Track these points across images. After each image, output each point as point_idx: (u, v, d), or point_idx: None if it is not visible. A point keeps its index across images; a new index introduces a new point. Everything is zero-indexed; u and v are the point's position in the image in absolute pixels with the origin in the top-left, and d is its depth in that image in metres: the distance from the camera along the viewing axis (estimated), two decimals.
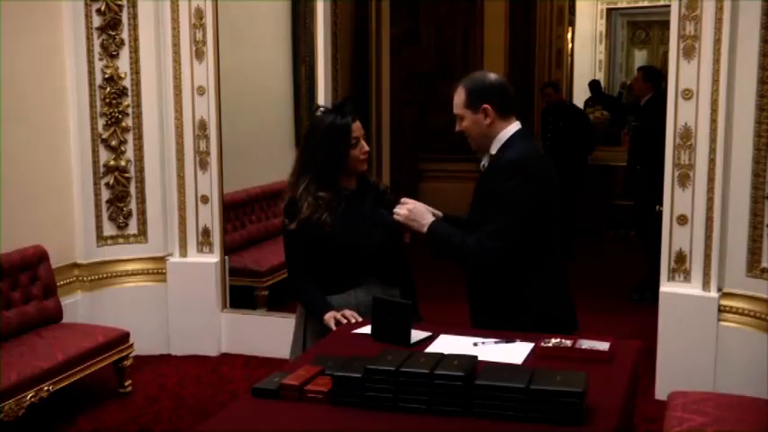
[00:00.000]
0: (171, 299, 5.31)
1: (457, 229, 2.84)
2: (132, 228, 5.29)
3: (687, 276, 4.43)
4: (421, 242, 2.88)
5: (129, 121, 5.18)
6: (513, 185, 2.75)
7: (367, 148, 3.05)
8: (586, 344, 2.54)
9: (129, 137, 5.20)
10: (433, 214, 2.92)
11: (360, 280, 3.01)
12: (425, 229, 2.85)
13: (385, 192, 3.19)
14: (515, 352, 2.54)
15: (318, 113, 3.13)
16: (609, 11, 13.27)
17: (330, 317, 2.93)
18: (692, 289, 4.42)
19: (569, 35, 11.79)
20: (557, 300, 2.92)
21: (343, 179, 3.03)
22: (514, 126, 2.87)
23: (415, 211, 2.88)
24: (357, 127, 3.02)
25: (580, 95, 11.96)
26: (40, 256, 4.64)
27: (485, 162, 2.91)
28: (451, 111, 2.90)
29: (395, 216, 2.90)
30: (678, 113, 4.35)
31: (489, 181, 2.83)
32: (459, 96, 2.86)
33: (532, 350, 2.55)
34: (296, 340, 3.15)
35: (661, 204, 4.55)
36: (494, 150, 2.86)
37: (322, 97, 5.08)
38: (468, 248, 2.77)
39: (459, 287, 3.12)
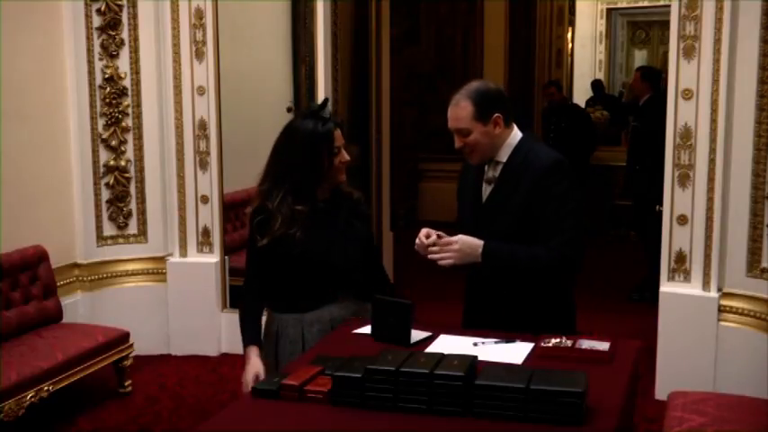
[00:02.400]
0: (171, 299, 5.31)
1: (512, 244, 2.70)
2: (132, 228, 5.29)
3: (687, 276, 4.43)
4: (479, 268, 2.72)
5: (129, 121, 5.19)
6: (567, 187, 2.70)
7: (347, 157, 2.87)
8: (586, 344, 2.54)
9: (129, 137, 5.21)
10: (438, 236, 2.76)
11: (334, 296, 2.90)
12: (481, 257, 2.68)
13: (359, 201, 3.02)
14: (515, 352, 2.54)
15: (297, 120, 2.94)
16: (609, 11, 13.27)
17: (250, 367, 2.81)
18: (692, 289, 4.42)
19: (569, 35, 11.80)
20: (571, 300, 2.90)
21: (319, 190, 2.87)
22: (517, 131, 2.80)
23: (464, 245, 2.69)
24: (338, 135, 2.84)
25: (580, 95, 11.97)
26: (40, 256, 4.64)
27: (494, 173, 2.79)
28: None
29: (442, 263, 2.70)
30: (678, 113, 4.35)
31: (531, 188, 2.68)
32: (465, 110, 2.71)
33: (532, 350, 2.55)
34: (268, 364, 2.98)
35: (661, 204, 4.55)
36: (503, 157, 2.76)
37: (322, 97, 5.06)
38: (543, 262, 2.67)
39: (456, 288, 3.11)
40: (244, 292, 3.01)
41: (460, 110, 2.73)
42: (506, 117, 2.76)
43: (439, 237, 2.72)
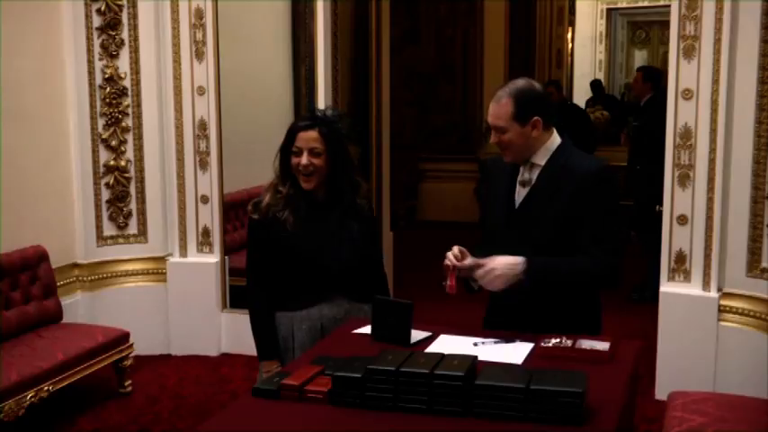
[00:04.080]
0: (171, 299, 5.31)
1: (553, 259, 2.64)
2: (132, 228, 5.29)
3: (687, 276, 4.43)
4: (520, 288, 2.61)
5: (129, 121, 5.19)
6: (612, 195, 2.68)
7: (305, 162, 2.81)
8: (586, 344, 2.54)
9: (129, 137, 5.20)
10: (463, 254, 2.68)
11: (325, 295, 2.92)
12: (523, 274, 2.59)
13: (361, 207, 2.99)
14: (515, 352, 2.53)
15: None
16: (609, 11, 13.29)
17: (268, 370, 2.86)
18: (692, 289, 4.42)
19: (569, 35, 11.82)
20: (598, 301, 2.87)
21: (307, 189, 2.88)
22: (556, 135, 2.74)
23: (503, 268, 2.59)
24: (306, 137, 2.82)
25: (580, 95, 11.99)
26: (40, 256, 4.64)
27: (530, 175, 2.72)
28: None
29: (491, 288, 2.64)
30: (678, 113, 4.35)
31: (580, 193, 2.63)
32: (505, 108, 2.63)
33: (532, 350, 2.55)
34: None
35: (661, 204, 4.55)
36: (541, 160, 2.70)
37: (322, 97, 5.08)
38: (589, 273, 2.64)
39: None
40: (252, 298, 3.00)
41: (500, 107, 2.65)
42: (546, 121, 2.69)
43: (477, 265, 2.64)
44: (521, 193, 2.75)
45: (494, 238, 2.79)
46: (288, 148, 2.87)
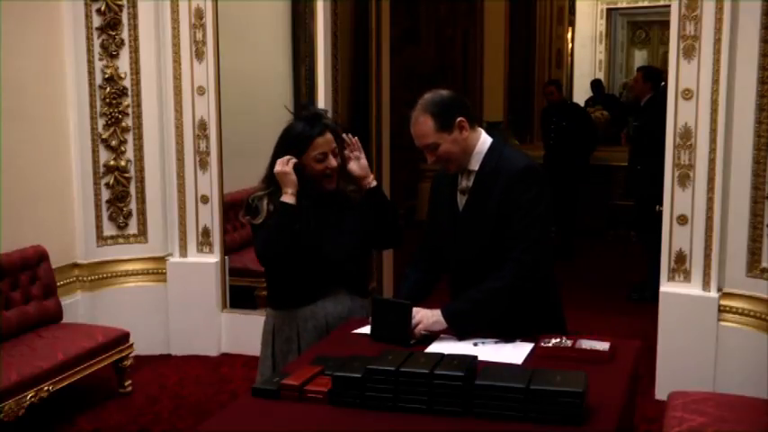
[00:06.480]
0: (171, 299, 5.31)
1: (467, 293, 2.70)
2: (132, 228, 5.29)
3: (687, 276, 4.43)
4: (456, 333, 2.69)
5: (129, 121, 5.19)
6: (535, 194, 2.65)
7: (334, 164, 2.83)
8: (586, 344, 2.54)
9: (129, 137, 5.21)
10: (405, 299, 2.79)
11: (328, 290, 2.91)
12: (447, 322, 2.67)
13: (351, 195, 2.99)
14: (515, 352, 2.54)
15: (293, 121, 2.95)
16: (609, 11, 13.30)
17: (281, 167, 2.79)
18: (692, 289, 4.42)
19: (569, 35, 11.83)
20: (553, 302, 2.88)
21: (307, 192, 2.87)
22: (485, 136, 2.77)
23: (425, 319, 2.68)
24: (325, 141, 2.82)
25: (580, 95, 11.98)
26: (40, 256, 4.64)
27: (467, 182, 2.76)
28: None
29: (421, 332, 2.68)
30: (678, 113, 4.35)
31: (503, 194, 2.66)
32: (426, 124, 2.67)
33: (532, 350, 2.55)
34: (264, 359, 3.02)
35: (661, 204, 4.55)
36: (475, 166, 2.73)
37: (322, 97, 5.08)
38: (505, 288, 2.63)
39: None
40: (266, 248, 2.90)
41: (421, 126, 2.69)
42: (470, 119, 2.72)
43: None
44: (462, 201, 2.79)
45: (443, 245, 2.87)
46: (303, 155, 2.80)
